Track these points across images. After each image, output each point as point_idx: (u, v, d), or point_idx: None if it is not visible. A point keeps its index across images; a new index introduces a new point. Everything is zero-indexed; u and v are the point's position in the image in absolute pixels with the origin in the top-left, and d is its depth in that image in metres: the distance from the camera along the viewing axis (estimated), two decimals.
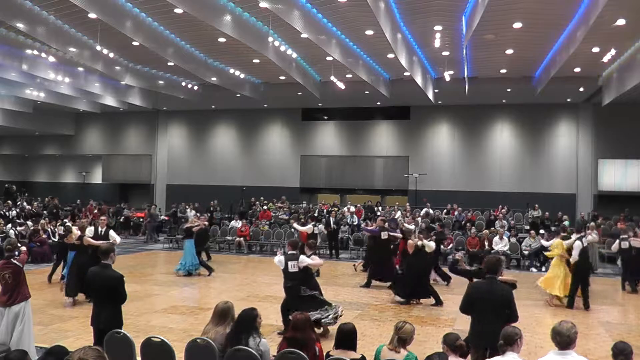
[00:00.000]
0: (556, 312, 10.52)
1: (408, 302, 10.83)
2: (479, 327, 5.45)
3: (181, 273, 13.74)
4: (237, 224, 20.09)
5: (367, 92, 20.93)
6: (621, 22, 12.74)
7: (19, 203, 22.77)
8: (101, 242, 10.41)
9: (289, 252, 8.31)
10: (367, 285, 12.46)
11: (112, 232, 11.13)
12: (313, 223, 15.21)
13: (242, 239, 19.10)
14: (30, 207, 22.43)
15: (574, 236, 11.26)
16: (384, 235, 12.69)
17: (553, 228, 17.85)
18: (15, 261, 6.67)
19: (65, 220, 17.30)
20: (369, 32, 14.94)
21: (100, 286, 5.99)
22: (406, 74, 17.72)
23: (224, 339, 4.98)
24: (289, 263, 8.18)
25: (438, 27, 14.66)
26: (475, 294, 5.57)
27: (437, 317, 9.87)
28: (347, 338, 4.77)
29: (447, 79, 17.92)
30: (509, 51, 16.34)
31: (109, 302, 5.93)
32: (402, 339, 4.72)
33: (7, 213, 19.80)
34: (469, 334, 5.58)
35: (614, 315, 10.58)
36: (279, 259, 8.41)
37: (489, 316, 5.32)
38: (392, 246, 13.04)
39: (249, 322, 4.96)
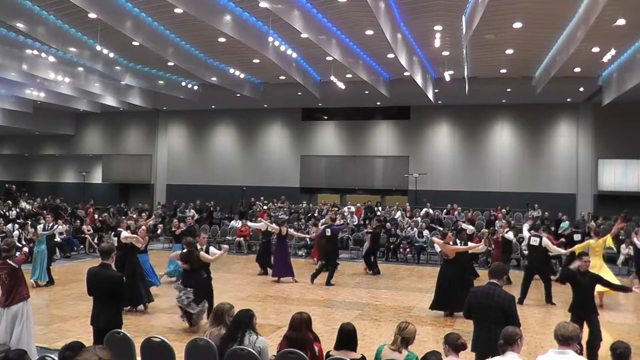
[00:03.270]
0: (556, 311, 10.53)
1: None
2: (476, 333, 5.41)
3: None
4: (237, 224, 20.08)
5: (367, 92, 20.91)
6: (621, 22, 12.73)
7: (20, 204, 22.68)
8: (136, 236, 10.38)
9: None
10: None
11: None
12: (269, 220, 15.21)
13: (242, 239, 19.10)
14: (30, 207, 22.39)
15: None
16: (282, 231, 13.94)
17: (552, 228, 17.83)
18: (10, 262, 6.64)
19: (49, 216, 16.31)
20: (369, 32, 14.94)
21: (100, 286, 6.00)
22: (406, 74, 17.70)
23: (219, 339, 4.99)
24: None
25: (438, 27, 14.65)
26: (472, 298, 5.53)
27: (437, 317, 9.88)
28: (347, 338, 4.78)
29: (447, 79, 17.92)
30: (509, 51, 16.33)
31: (108, 302, 5.94)
32: (405, 339, 4.73)
33: (7, 213, 19.79)
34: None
35: (614, 315, 10.59)
36: None
37: (485, 321, 5.27)
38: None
39: (244, 322, 4.97)
